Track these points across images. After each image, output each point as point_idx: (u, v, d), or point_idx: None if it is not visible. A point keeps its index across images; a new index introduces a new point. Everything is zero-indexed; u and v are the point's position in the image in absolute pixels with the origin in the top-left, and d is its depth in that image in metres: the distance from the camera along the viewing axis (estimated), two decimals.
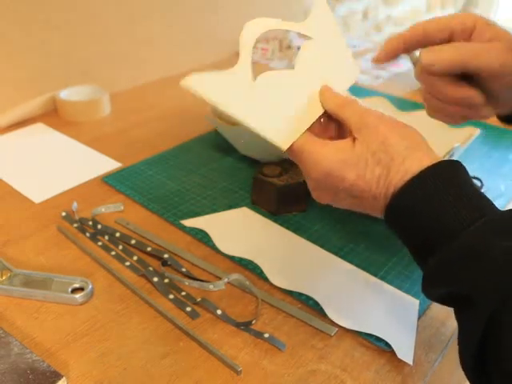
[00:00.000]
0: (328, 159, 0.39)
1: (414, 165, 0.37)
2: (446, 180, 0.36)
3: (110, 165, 0.72)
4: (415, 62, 0.49)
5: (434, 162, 0.37)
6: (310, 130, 0.42)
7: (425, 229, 0.37)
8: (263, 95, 0.42)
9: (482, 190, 0.65)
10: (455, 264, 0.34)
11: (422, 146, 0.39)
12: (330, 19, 0.46)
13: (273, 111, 0.42)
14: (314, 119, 0.43)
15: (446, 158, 0.38)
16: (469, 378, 0.35)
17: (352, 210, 0.43)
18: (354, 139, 0.40)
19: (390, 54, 0.48)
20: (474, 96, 0.46)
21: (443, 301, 0.37)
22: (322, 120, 0.44)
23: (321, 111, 0.44)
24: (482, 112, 0.48)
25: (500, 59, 0.43)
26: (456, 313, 0.36)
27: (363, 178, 0.39)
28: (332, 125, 0.43)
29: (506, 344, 0.31)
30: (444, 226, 0.35)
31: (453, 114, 0.48)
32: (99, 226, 0.58)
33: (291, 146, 0.41)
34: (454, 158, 0.61)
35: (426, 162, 0.37)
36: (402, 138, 0.39)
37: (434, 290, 0.37)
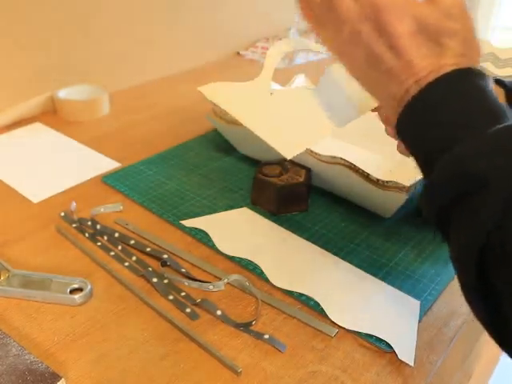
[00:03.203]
0: None
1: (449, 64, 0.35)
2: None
3: (109, 165, 0.72)
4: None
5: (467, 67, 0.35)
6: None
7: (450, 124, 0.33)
8: (277, 107, 0.43)
9: None
10: (479, 152, 0.31)
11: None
12: None
13: (282, 123, 0.43)
14: (320, 139, 0.45)
15: None
16: (469, 298, 0.32)
17: (357, 69, 0.38)
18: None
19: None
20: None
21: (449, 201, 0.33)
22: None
23: (328, 133, 0.45)
24: None
25: None
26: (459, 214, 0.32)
27: (415, 37, 0.34)
28: None
29: None
30: (471, 122, 0.33)
31: None
32: (98, 226, 0.57)
33: None
34: None
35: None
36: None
37: (443, 187, 0.33)
